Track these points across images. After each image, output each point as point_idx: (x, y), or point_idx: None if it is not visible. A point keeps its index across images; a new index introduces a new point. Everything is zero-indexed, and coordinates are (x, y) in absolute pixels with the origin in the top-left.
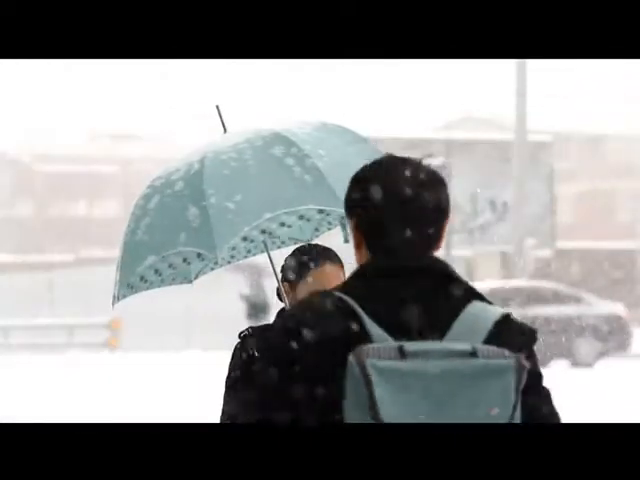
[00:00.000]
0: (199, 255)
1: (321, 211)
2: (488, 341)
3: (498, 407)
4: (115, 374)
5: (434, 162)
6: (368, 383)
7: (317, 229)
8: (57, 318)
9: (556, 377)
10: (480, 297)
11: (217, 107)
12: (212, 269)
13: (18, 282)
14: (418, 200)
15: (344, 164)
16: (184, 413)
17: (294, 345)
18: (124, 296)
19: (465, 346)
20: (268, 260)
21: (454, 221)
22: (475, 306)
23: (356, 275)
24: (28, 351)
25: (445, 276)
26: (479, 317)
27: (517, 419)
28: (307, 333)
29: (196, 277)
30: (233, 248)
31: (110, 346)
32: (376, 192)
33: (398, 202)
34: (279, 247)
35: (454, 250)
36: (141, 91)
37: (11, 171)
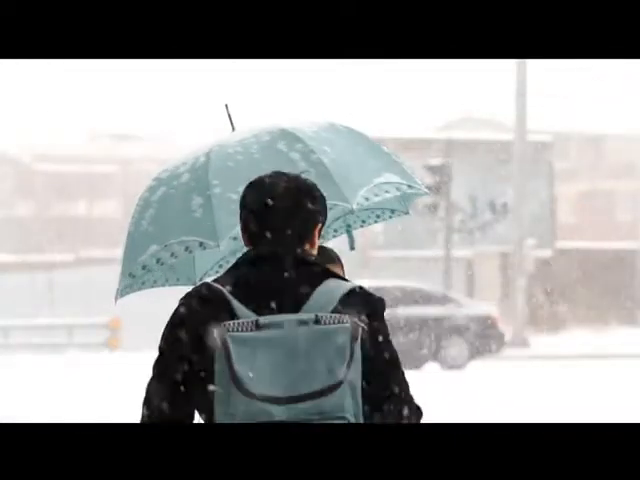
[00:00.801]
0: (201, 244)
1: None
2: (336, 310)
3: (335, 363)
4: (115, 374)
5: (433, 162)
6: (227, 351)
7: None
8: (57, 318)
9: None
10: (336, 276)
11: (226, 106)
12: (217, 272)
13: (18, 282)
14: (284, 207)
15: (350, 162)
16: None
17: (178, 331)
18: (126, 287)
19: (310, 316)
20: None
21: (454, 221)
22: (329, 283)
23: (233, 265)
24: (28, 351)
25: (303, 261)
26: (330, 291)
27: (353, 373)
28: (188, 320)
29: (200, 279)
30: (234, 238)
31: (110, 346)
32: (253, 199)
33: (268, 207)
34: None
35: (454, 250)
36: (141, 91)
37: (11, 171)
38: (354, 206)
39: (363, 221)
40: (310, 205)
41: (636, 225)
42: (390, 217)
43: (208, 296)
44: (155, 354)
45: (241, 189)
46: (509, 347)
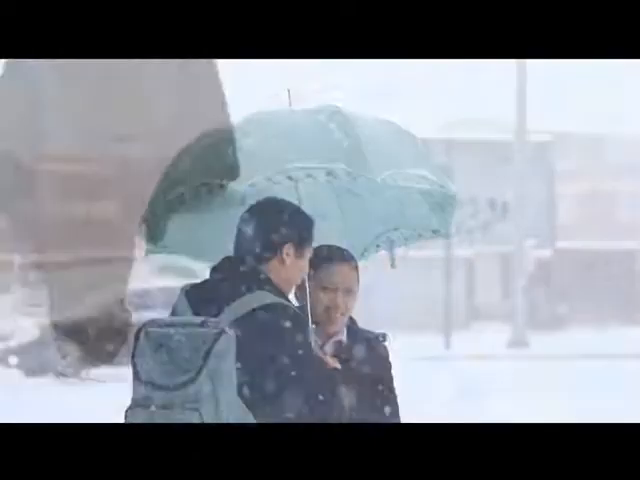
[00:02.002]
0: (221, 187)
1: (349, 174)
2: (241, 318)
3: (196, 361)
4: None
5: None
6: (135, 343)
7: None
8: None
9: None
10: (274, 291)
11: (288, 91)
12: None
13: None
14: (254, 226)
15: (387, 146)
16: None
17: None
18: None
19: (199, 319)
20: None
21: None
22: (255, 295)
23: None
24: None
25: (246, 275)
26: (248, 302)
27: (214, 372)
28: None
29: None
30: (253, 185)
31: None
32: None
33: (243, 227)
34: None
35: (454, 250)
36: (142, 91)
37: (11, 171)
38: (377, 179)
39: (406, 239)
40: (279, 225)
41: (636, 225)
42: (431, 237)
43: (176, 298)
44: None
45: (274, 142)
46: (509, 347)
